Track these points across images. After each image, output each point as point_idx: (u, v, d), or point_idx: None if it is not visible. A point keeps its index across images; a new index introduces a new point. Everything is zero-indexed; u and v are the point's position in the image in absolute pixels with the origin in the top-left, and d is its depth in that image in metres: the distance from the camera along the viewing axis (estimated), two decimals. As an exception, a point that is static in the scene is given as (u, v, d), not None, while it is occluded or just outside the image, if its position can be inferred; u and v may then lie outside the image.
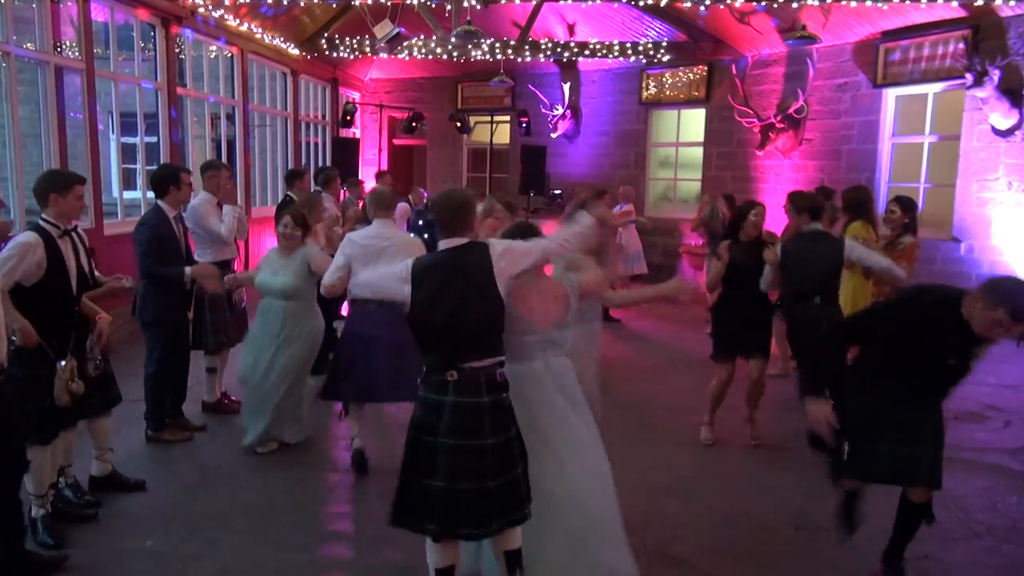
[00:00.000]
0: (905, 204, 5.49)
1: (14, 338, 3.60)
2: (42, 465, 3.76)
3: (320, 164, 13.42)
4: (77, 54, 7.68)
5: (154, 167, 6.56)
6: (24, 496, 3.81)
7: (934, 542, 3.94)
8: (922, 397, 3.33)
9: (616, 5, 11.38)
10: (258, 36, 10.77)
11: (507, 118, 14.20)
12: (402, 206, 9.64)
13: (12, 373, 3.55)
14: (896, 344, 3.24)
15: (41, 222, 3.78)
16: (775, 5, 9.37)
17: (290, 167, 12.05)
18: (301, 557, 3.72)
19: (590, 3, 10.87)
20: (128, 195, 9.33)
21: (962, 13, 8.79)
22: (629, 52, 12.23)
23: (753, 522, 4.09)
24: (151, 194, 5.43)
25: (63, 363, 3.68)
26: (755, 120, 11.49)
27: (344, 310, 6.02)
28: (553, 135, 13.80)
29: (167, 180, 5.05)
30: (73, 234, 3.89)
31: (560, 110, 13.74)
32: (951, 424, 5.71)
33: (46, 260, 3.67)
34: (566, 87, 13.64)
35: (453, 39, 11.41)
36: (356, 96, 15.03)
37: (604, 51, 12.25)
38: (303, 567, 3.65)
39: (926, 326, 3.15)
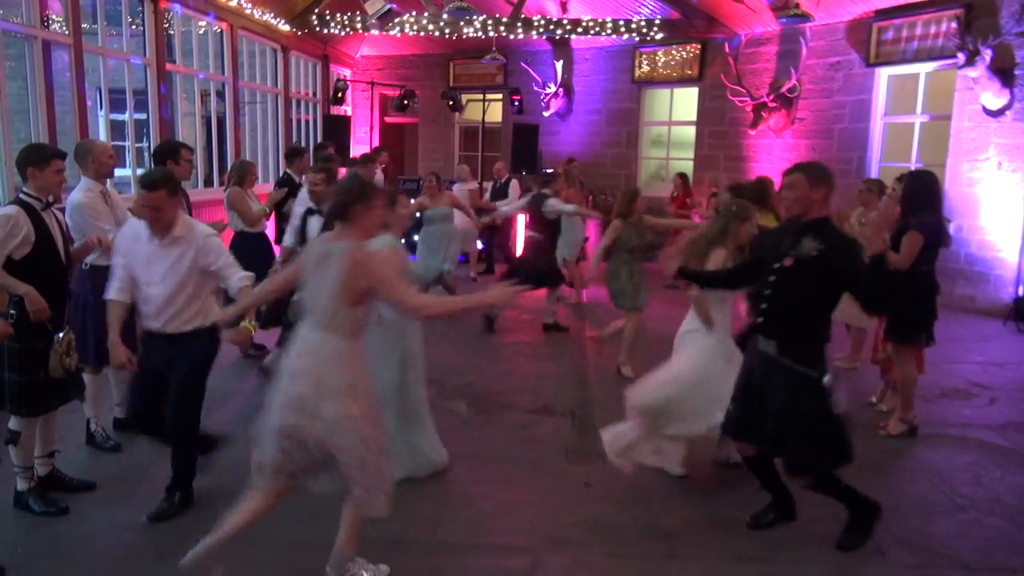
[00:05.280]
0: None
1: (12, 312, 3.60)
2: (28, 438, 3.77)
3: (313, 141, 13.35)
4: (64, 29, 7.59)
5: (144, 144, 6.52)
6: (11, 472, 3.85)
7: (919, 515, 4.01)
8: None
9: (609, -18, 11.34)
10: (248, 11, 10.66)
11: (499, 96, 14.13)
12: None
13: (9, 345, 3.56)
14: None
15: (22, 195, 3.75)
16: (769, -17, 9.34)
17: (281, 145, 12.00)
18: (293, 531, 3.76)
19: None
20: (118, 172, 9.22)
21: (955, -8, 8.78)
22: (622, 30, 12.16)
23: (738, 496, 4.14)
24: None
25: (60, 335, 3.68)
26: (748, 99, 11.47)
27: None
28: (545, 113, 13.76)
29: (167, 154, 5.04)
30: (54, 211, 3.86)
31: (552, 88, 13.69)
32: (938, 401, 5.82)
33: (33, 233, 3.65)
34: (559, 65, 13.57)
35: (445, 16, 11.35)
36: (347, 73, 14.93)
37: (597, 29, 12.18)
38: (296, 540, 3.69)
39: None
